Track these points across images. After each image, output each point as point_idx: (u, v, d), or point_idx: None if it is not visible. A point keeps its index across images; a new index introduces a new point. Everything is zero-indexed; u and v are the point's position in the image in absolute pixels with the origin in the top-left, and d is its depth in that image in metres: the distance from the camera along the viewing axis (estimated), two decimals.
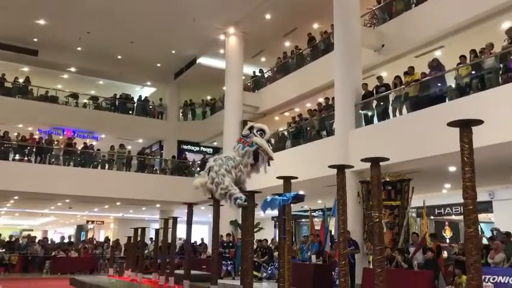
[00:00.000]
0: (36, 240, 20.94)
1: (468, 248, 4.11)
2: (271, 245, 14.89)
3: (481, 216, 15.67)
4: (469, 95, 10.04)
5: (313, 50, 16.99)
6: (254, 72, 20.84)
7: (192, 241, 15.21)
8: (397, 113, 12.02)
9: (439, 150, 9.64)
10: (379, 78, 13.14)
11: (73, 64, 22.54)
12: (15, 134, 19.98)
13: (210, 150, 24.68)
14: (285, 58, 18.70)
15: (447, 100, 10.78)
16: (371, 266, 9.28)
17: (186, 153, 24.19)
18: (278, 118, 20.13)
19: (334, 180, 6.07)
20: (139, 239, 13.70)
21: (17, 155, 18.74)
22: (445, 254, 11.83)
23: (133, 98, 24.15)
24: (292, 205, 6.85)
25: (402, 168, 10.99)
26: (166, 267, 11.45)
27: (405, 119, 11.45)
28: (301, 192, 7.00)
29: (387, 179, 11.15)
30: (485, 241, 10.65)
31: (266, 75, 19.97)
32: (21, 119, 20.74)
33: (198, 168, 20.71)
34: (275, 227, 22.87)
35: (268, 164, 8.16)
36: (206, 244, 20.29)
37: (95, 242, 22.72)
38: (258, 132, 8.17)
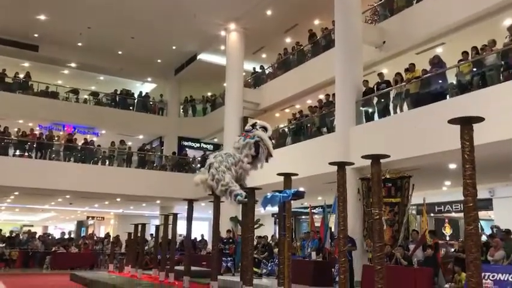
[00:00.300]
0: (37, 236, 20.99)
1: (468, 246, 4.10)
2: (271, 242, 14.92)
3: (481, 214, 15.66)
4: (470, 92, 10.02)
5: (314, 47, 16.96)
6: (254, 68, 20.81)
7: (192, 237, 15.24)
8: (398, 110, 12.01)
9: (440, 147, 9.62)
10: (380, 75, 13.12)
11: (74, 60, 22.51)
12: (16, 129, 19.96)
13: (210, 147, 24.68)
14: (285, 54, 18.67)
15: (448, 97, 10.76)
16: (371, 263, 9.30)
17: (186, 149, 24.18)
18: (279, 115, 20.12)
19: (334, 177, 6.06)
20: (139, 235, 13.72)
21: (18, 151, 18.74)
22: (443, 251, 11.83)
23: (133, 93, 24.14)
24: (292, 202, 6.85)
25: (403, 165, 10.99)
26: (166, 263, 11.47)
27: (406, 116, 11.44)
28: (301, 189, 7.00)
29: (388, 176, 11.16)
30: (485, 238, 10.65)
31: (267, 72, 19.94)
32: (22, 115, 20.74)
33: (199, 165, 20.73)
34: (275, 223, 22.86)
35: (266, 161, 8.13)
36: (206, 240, 20.32)
37: (95, 238, 22.79)
38: (261, 129, 8.17)
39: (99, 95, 23.06)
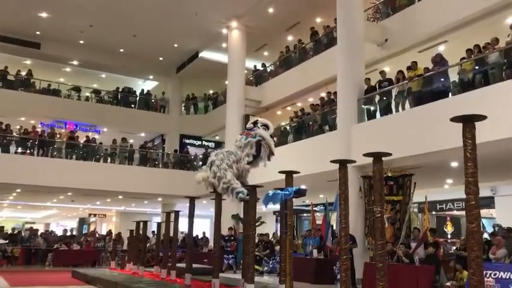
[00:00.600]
0: (39, 233, 21.03)
1: (470, 244, 4.09)
2: (272, 239, 14.96)
3: (483, 212, 15.54)
4: (472, 90, 10.00)
5: (316, 44, 16.94)
6: (255, 66, 20.80)
7: (194, 235, 15.24)
8: (400, 108, 12.00)
9: (442, 145, 9.61)
10: (382, 73, 13.10)
11: (76, 57, 22.54)
12: (18, 127, 20.01)
13: (212, 145, 24.68)
14: (287, 52, 18.66)
15: (450, 95, 10.75)
16: (372, 261, 9.30)
17: (188, 147, 24.21)
18: (280, 113, 20.11)
19: (336, 175, 6.05)
20: (141, 232, 13.73)
21: (20, 148, 18.79)
22: (441, 250, 11.81)
23: (135, 91, 24.16)
24: (294, 199, 6.85)
25: (405, 163, 10.98)
26: (168, 261, 11.47)
27: (408, 114, 11.43)
28: (303, 187, 6.98)
29: (390, 174, 11.14)
30: (486, 236, 10.64)
31: (268, 70, 19.93)
32: (24, 112, 20.80)
33: (200, 163, 20.74)
34: (277, 221, 22.92)
35: (269, 159, 8.13)
36: (208, 238, 20.35)
37: (97, 235, 22.80)
38: (262, 127, 8.14)
39: (101, 93, 23.11)
